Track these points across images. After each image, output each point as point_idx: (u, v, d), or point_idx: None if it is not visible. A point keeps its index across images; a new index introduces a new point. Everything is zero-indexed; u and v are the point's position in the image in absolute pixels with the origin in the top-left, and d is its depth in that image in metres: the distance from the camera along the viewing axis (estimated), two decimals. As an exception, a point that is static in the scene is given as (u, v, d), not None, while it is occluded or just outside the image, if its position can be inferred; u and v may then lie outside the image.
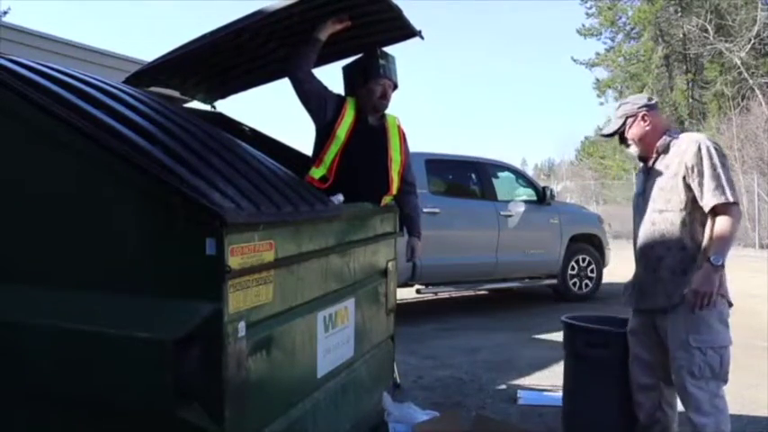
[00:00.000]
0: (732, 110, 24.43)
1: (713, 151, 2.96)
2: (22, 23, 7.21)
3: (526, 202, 8.61)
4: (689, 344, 2.93)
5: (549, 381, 4.92)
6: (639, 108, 3.17)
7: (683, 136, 3.13)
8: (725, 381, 3.00)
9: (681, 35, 28.91)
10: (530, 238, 8.49)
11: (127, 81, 3.55)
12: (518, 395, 4.67)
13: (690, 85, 29.18)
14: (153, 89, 3.70)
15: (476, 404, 4.48)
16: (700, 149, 2.96)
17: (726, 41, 26.25)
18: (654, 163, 3.17)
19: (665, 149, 3.13)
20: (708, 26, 26.86)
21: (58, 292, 2.18)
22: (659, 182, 3.10)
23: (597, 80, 31.19)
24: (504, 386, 5.01)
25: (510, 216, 8.28)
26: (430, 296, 8.77)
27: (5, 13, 19.40)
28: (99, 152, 2.10)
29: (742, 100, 24.99)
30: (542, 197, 8.79)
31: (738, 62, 25.79)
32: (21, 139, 2.26)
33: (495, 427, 3.76)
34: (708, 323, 2.91)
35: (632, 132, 3.19)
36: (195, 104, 4.47)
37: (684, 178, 2.98)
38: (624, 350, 3.31)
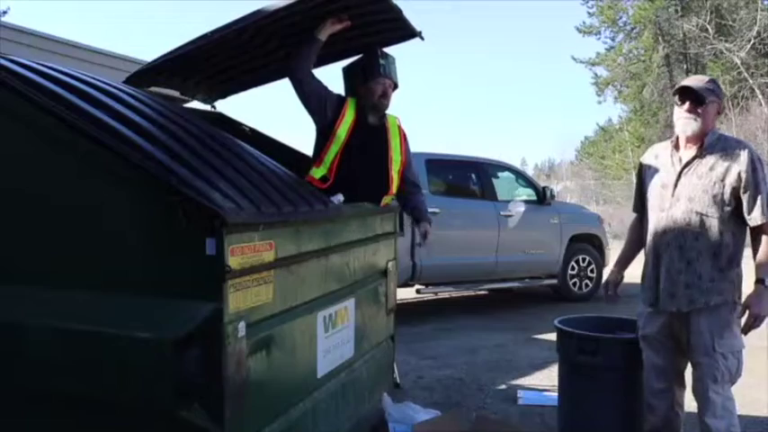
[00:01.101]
0: (732, 110, 24.42)
1: (764, 165, 2.92)
2: (22, 23, 7.21)
3: (526, 202, 8.60)
4: (714, 349, 2.91)
5: (549, 381, 4.91)
6: (722, 99, 3.06)
7: (733, 142, 3.00)
8: (735, 383, 3.01)
9: (681, 35, 28.89)
10: (530, 238, 8.49)
11: (127, 81, 3.55)
12: (518, 395, 4.67)
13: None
14: (153, 89, 3.70)
15: (476, 404, 4.48)
16: (753, 160, 2.89)
17: (726, 41, 26.24)
18: (693, 159, 2.99)
19: (710, 148, 2.97)
20: (708, 26, 26.85)
21: (57, 292, 2.18)
22: (702, 182, 2.95)
23: (596, 75, 31.15)
24: (504, 386, 5.01)
25: (510, 216, 8.27)
26: (430, 296, 8.77)
27: (5, 12, 19.36)
28: (99, 152, 2.11)
29: (742, 100, 24.97)
30: (542, 197, 8.79)
31: (738, 62, 25.78)
32: (21, 140, 2.26)
33: (495, 426, 3.76)
34: (730, 328, 2.91)
35: (709, 110, 2.96)
36: (195, 104, 4.47)
37: (735, 188, 2.89)
38: (616, 355, 3.28)
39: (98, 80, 2.79)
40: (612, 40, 31.48)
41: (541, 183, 10.32)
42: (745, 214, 2.90)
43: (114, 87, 2.79)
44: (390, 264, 3.71)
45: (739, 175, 2.88)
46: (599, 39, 31.60)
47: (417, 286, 7.67)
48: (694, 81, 3.04)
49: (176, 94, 4.24)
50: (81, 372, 2.12)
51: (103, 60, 7.54)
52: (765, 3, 26.20)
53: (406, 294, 8.12)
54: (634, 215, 3.41)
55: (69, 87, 2.45)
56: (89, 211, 2.18)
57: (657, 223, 3.09)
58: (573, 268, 9.02)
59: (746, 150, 2.92)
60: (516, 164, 12.61)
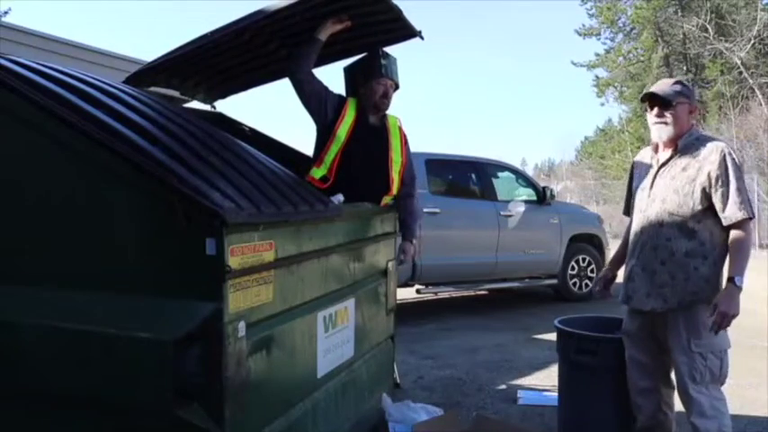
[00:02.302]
0: (732, 110, 24.42)
1: (737, 163, 2.90)
2: (22, 23, 7.22)
3: (526, 201, 8.60)
4: (690, 349, 2.91)
5: (549, 381, 4.91)
6: (695, 100, 3.08)
7: (708, 143, 3.00)
8: (723, 383, 2.99)
9: (681, 35, 28.90)
10: (530, 238, 8.48)
11: (127, 81, 3.55)
12: (518, 395, 4.67)
13: (690, 84, 29.15)
14: (153, 89, 3.70)
15: (476, 404, 4.48)
16: (724, 160, 2.89)
17: (726, 41, 26.25)
18: (668, 160, 3.05)
19: (685, 149, 3.01)
20: (708, 26, 26.85)
21: (58, 292, 2.18)
22: (674, 183, 2.99)
23: (597, 77, 31.17)
24: (503, 386, 5.01)
25: (510, 216, 8.27)
26: (430, 296, 8.77)
27: (6, 13, 19.38)
28: (99, 152, 2.11)
29: (742, 100, 24.97)
30: (542, 197, 8.79)
31: (738, 62, 25.78)
32: (21, 140, 2.27)
33: (495, 426, 3.76)
34: (708, 327, 2.87)
35: (679, 113, 2.99)
36: (195, 104, 4.47)
37: (705, 188, 2.90)
38: (615, 355, 3.27)
39: (98, 80, 2.79)
40: (612, 41, 31.52)
41: (541, 183, 10.32)
42: (720, 213, 2.90)
43: (114, 87, 2.80)
44: (390, 264, 3.71)
45: (709, 174, 2.90)
46: (599, 40, 31.65)
47: (417, 286, 7.66)
48: (660, 86, 3.08)
49: (176, 94, 4.24)
50: (81, 371, 2.12)
51: (104, 60, 7.53)
52: (765, 2, 26.21)
53: (407, 294, 8.12)
54: None
55: (70, 87, 2.46)
56: (89, 211, 2.18)
57: (636, 224, 3.16)
58: (573, 268, 9.02)
59: (719, 150, 2.92)
60: (516, 164, 12.63)
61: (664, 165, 3.07)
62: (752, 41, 25.47)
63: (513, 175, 9.19)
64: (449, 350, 6.16)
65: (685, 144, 3.02)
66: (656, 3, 28.02)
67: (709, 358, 2.91)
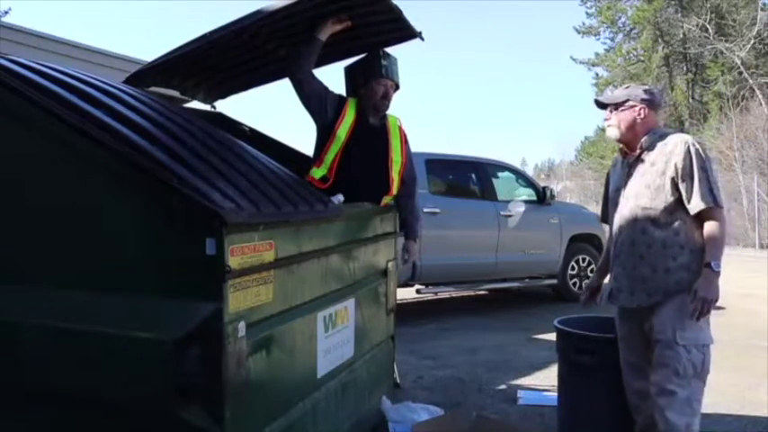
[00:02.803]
0: (732, 109, 24.43)
1: (702, 154, 2.95)
2: (22, 23, 7.22)
3: (526, 202, 8.60)
4: (675, 342, 2.91)
5: (548, 381, 4.91)
6: (643, 100, 3.11)
7: (671, 136, 3.07)
8: (704, 382, 2.97)
9: (681, 35, 28.93)
10: (530, 238, 8.48)
11: (127, 81, 3.55)
12: (518, 395, 4.67)
13: (690, 84, 29.19)
14: (153, 89, 3.70)
15: (476, 404, 4.48)
16: (689, 151, 2.94)
17: (726, 41, 26.27)
18: (637, 159, 3.12)
19: (650, 146, 3.08)
20: (708, 26, 26.88)
21: (58, 292, 2.18)
22: (645, 179, 3.06)
23: (597, 75, 31.21)
24: (504, 386, 5.01)
25: (510, 216, 8.27)
26: (430, 296, 8.77)
27: (6, 13, 19.41)
28: (99, 152, 2.11)
29: (742, 100, 24.99)
30: (542, 197, 8.79)
31: (738, 62, 25.80)
32: (21, 140, 2.27)
33: (495, 427, 3.76)
34: (693, 320, 2.89)
35: (623, 115, 3.12)
36: (195, 104, 4.47)
37: (673, 179, 2.96)
38: (614, 355, 3.26)
39: (98, 80, 2.79)
40: (612, 40, 31.56)
41: (541, 183, 10.32)
42: (687, 204, 2.94)
43: (114, 87, 2.80)
44: (390, 264, 3.71)
45: (676, 165, 2.95)
46: (598, 39, 31.69)
47: (417, 286, 7.66)
48: (607, 92, 3.26)
49: (176, 94, 4.24)
50: (81, 372, 2.12)
51: (104, 60, 7.53)
52: (765, 2, 26.23)
53: (407, 294, 8.12)
54: None
55: (69, 87, 2.46)
56: (89, 211, 2.19)
57: (615, 225, 3.22)
58: (573, 268, 9.02)
59: (683, 142, 2.97)
60: (516, 164, 12.63)
61: (633, 164, 3.14)
62: (752, 41, 25.50)
63: (512, 175, 9.19)
64: (449, 350, 6.16)
65: (650, 142, 3.09)
66: (657, 3, 28.03)
67: (692, 352, 2.90)
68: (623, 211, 3.14)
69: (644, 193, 3.04)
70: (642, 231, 3.03)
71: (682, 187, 2.94)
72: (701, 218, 2.94)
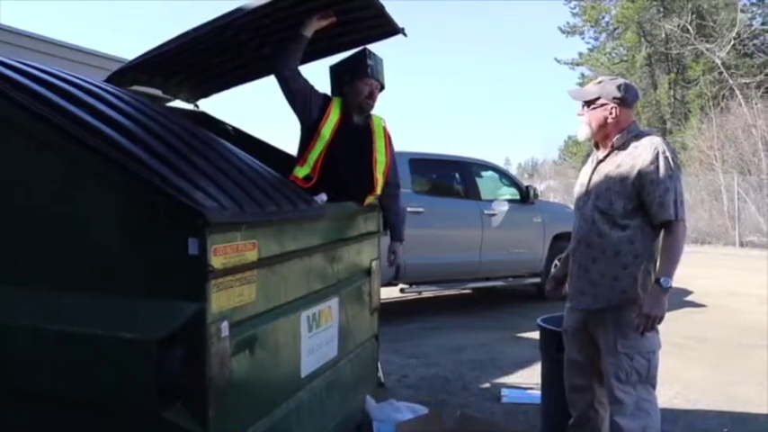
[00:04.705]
0: (713, 109, 24.68)
1: (670, 162, 2.86)
2: (9, 23, 7.14)
3: (510, 201, 8.64)
4: (616, 349, 2.88)
5: (532, 379, 4.93)
6: (615, 98, 2.99)
7: (645, 138, 2.97)
8: (653, 385, 2.95)
9: (663, 35, 29.18)
10: (513, 237, 8.52)
11: (109, 80, 3.52)
12: (502, 393, 4.69)
13: (672, 84, 29.43)
14: (135, 88, 3.67)
15: (460, 403, 4.49)
16: (657, 158, 2.85)
17: (707, 42, 26.53)
18: (605, 158, 3.04)
19: (622, 146, 2.99)
20: (689, 26, 27.12)
21: (39, 293, 2.16)
22: (607, 181, 2.97)
23: (583, 75, 31.38)
24: (487, 385, 5.03)
25: (493, 215, 8.30)
26: (414, 295, 8.78)
27: (-16, 11, 19.15)
28: (81, 151, 2.09)
29: (722, 100, 25.24)
30: (526, 196, 8.83)
31: (719, 62, 26.06)
32: (0, 139, 2.24)
33: (479, 425, 3.77)
34: (635, 328, 2.84)
35: (594, 114, 3.03)
36: (178, 103, 4.45)
37: (635, 185, 2.88)
38: None
39: (80, 79, 2.77)
40: (596, 40, 31.77)
41: (525, 182, 10.36)
42: (649, 211, 2.87)
43: (96, 86, 2.77)
44: (374, 263, 3.71)
45: (640, 172, 2.86)
46: (583, 38, 31.88)
47: (401, 285, 7.68)
48: (579, 87, 3.12)
49: (159, 92, 4.21)
50: (64, 372, 2.11)
51: (84, 58, 7.46)
52: (744, 4, 26.54)
53: (390, 293, 8.13)
54: None
55: (50, 86, 2.43)
56: (70, 211, 2.17)
57: (575, 222, 3.15)
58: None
59: (653, 147, 2.89)
60: (500, 163, 12.63)
61: (601, 161, 3.07)
62: (732, 42, 25.77)
63: (496, 175, 9.23)
64: (433, 349, 6.17)
65: (623, 141, 3.00)
66: (640, 3, 28.26)
67: (635, 359, 2.88)
68: (584, 210, 3.06)
69: (605, 195, 2.96)
70: (598, 234, 2.95)
71: (644, 195, 2.87)
72: (660, 229, 2.89)
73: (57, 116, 2.17)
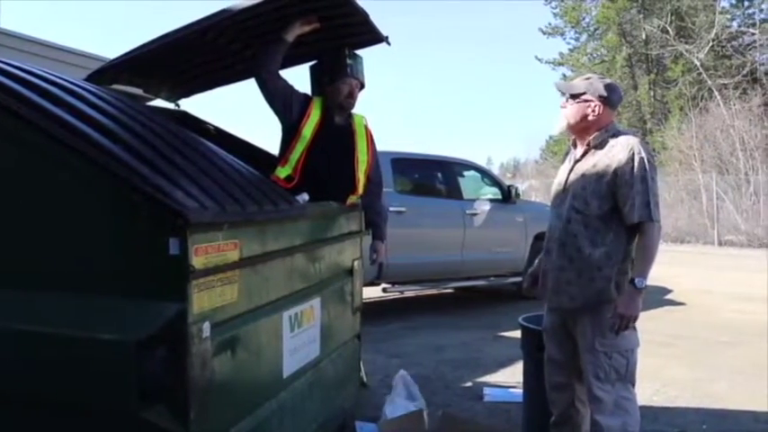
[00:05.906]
0: (692, 110, 24.93)
1: (646, 163, 2.86)
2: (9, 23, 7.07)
3: (491, 200, 8.68)
4: (594, 348, 2.90)
5: (514, 378, 4.96)
6: (600, 97, 3.00)
7: (621, 138, 2.97)
8: (632, 383, 2.98)
9: (643, 36, 29.44)
10: (495, 236, 8.55)
11: (89, 78, 3.49)
12: (484, 392, 4.71)
13: (652, 85, 29.69)
14: (116, 87, 3.64)
15: (442, 402, 4.51)
16: (632, 159, 2.86)
17: (686, 43, 26.81)
18: (582, 157, 3.05)
19: (599, 146, 3.00)
20: (668, 28, 27.39)
21: (18, 293, 2.14)
22: (583, 180, 2.98)
23: (564, 76, 31.56)
24: (470, 384, 5.05)
25: (475, 215, 8.34)
26: (396, 295, 8.78)
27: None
28: (60, 151, 2.08)
29: (701, 100, 25.51)
30: (507, 196, 8.87)
31: (698, 63, 26.34)
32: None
33: (461, 424, 3.79)
34: (610, 328, 2.85)
35: (576, 108, 3.03)
36: (159, 103, 4.42)
37: (610, 185, 2.89)
38: None
39: (60, 77, 2.74)
40: (576, 40, 31.98)
41: (507, 181, 10.41)
42: (622, 211, 2.88)
43: (76, 85, 2.75)
44: (356, 262, 3.71)
45: (615, 172, 2.88)
46: (564, 39, 32.07)
47: (383, 285, 7.68)
48: (565, 81, 3.11)
49: (140, 92, 4.18)
50: (43, 374, 2.09)
51: (64, 57, 7.40)
52: (722, 5, 26.84)
53: (373, 293, 8.13)
54: None
55: (29, 85, 2.41)
56: (49, 211, 2.15)
57: (550, 219, 3.16)
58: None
59: (629, 148, 2.89)
60: (482, 163, 12.69)
61: (578, 160, 3.07)
62: (710, 44, 26.06)
63: (478, 174, 9.27)
64: (415, 349, 6.19)
65: (600, 140, 3.01)
66: (620, 2, 28.50)
67: (614, 357, 2.90)
68: (560, 209, 3.07)
69: (580, 194, 2.97)
70: (573, 235, 2.96)
71: (618, 196, 2.88)
72: (634, 230, 2.90)
73: (35, 115, 2.14)
